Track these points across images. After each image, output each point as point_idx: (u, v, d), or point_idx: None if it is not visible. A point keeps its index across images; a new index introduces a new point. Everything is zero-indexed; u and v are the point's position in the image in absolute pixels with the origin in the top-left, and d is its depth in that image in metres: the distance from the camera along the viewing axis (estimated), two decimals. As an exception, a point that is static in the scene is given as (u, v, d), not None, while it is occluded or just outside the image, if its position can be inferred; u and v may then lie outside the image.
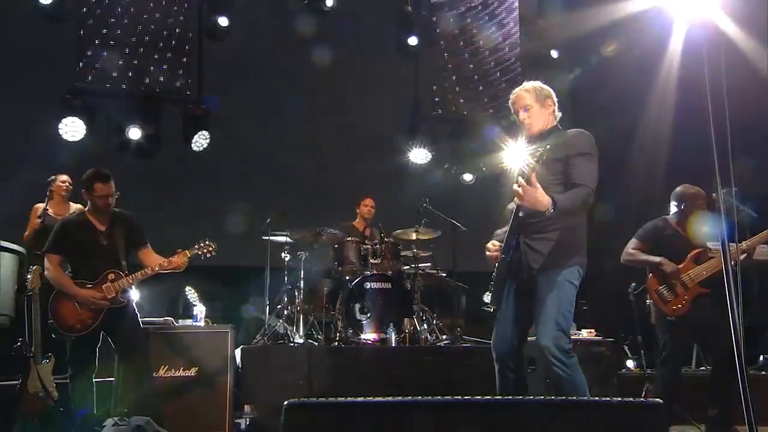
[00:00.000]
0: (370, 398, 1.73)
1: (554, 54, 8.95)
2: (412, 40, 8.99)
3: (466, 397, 1.72)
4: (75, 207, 6.04)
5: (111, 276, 4.29)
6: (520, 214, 3.43)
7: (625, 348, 6.53)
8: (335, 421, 1.72)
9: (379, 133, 8.87)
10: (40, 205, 5.86)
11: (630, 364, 6.62)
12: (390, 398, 1.74)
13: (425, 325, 6.14)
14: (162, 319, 5.23)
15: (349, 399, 1.72)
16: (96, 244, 4.34)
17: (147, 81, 8.54)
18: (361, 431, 1.71)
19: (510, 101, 3.70)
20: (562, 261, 3.39)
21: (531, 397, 1.95)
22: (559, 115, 3.67)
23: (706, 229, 4.81)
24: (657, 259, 4.83)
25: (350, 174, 8.25)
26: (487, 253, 3.67)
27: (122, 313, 4.31)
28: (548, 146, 3.20)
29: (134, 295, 4.59)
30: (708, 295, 4.70)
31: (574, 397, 1.81)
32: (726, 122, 2.25)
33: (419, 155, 8.84)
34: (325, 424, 1.73)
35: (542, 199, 3.18)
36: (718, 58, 2.56)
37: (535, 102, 3.59)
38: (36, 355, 4.46)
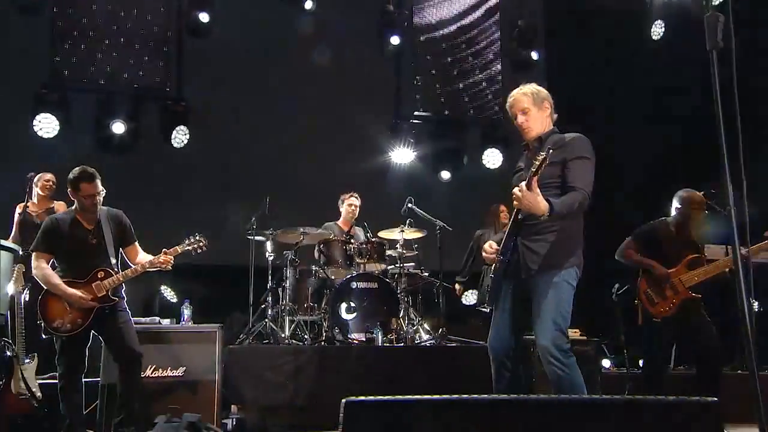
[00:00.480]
0: (429, 396, 1.74)
1: (534, 56, 9.03)
2: (394, 40, 8.99)
3: (522, 396, 1.75)
4: (57, 204, 5.93)
5: (101, 274, 4.20)
6: (519, 217, 3.46)
7: (604, 347, 6.63)
8: (394, 420, 1.72)
9: (360, 132, 8.86)
10: (23, 204, 5.73)
11: (606, 363, 6.72)
12: (450, 396, 1.75)
13: (411, 325, 6.14)
14: (148, 318, 5.15)
15: (407, 397, 1.73)
16: (84, 242, 4.26)
17: (126, 76, 8.43)
18: (419, 430, 1.72)
19: (507, 104, 3.68)
20: (560, 262, 3.42)
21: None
22: (555, 116, 3.71)
23: (707, 229, 4.91)
24: (649, 262, 4.93)
25: (332, 173, 8.22)
26: (484, 254, 3.66)
27: (113, 311, 4.23)
28: (551, 150, 3.24)
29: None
30: (698, 300, 4.80)
31: (632, 396, 1.82)
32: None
33: (402, 154, 8.84)
34: (384, 422, 1.72)
35: (540, 203, 3.22)
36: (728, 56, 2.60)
37: (533, 105, 3.59)
38: (19, 356, 4.39)
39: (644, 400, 1.81)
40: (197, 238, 4.52)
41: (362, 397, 1.74)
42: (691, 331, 4.83)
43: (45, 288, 4.16)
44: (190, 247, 4.48)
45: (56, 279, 4.16)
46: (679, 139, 8.07)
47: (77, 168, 4.33)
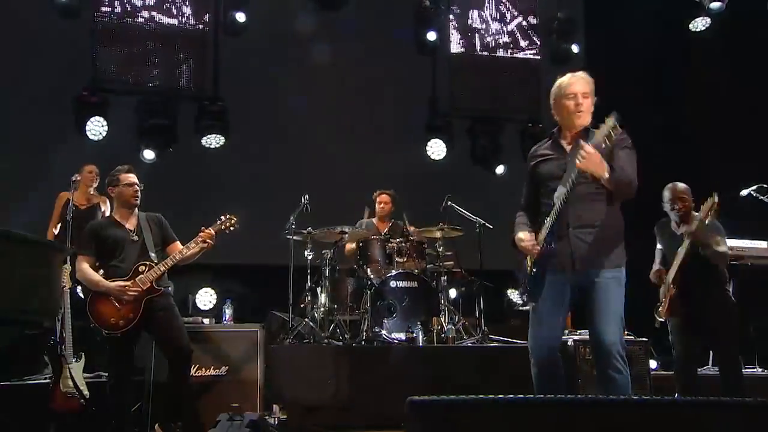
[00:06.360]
0: (496, 396, 1.71)
1: (575, 49, 8.86)
2: (431, 35, 8.91)
3: (590, 396, 1.72)
4: (99, 198, 6.05)
5: (142, 268, 4.25)
6: (568, 203, 3.32)
7: (651, 348, 6.48)
8: (460, 419, 1.71)
9: (396, 129, 8.81)
10: (65, 194, 5.83)
11: (653, 364, 6.56)
12: (522, 396, 1.72)
13: (451, 325, 6.07)
14: (191, 318, 5.19)
15: (472, 397, 1.71)
16: (126, 241, 4.34)
17: (163, 77, 8.50)
18: (486, 429, 1.68)
19: (566, 82, 3.46)
20: (619, 259, 3.39)
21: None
22: None
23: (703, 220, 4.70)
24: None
25: (367, 171, 8.18)
26: (522, 244, 3.46)
27: (162, 307, 4.28)
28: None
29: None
30: (685, 291, 4.71)
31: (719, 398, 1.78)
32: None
33: (437, 151, 8.75)
34: (449, 422, 1.71)
35: (604, 164, 3.19)
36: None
37: (591, 94, 3.45)
38: (66, 355, 4.47)
39: (735, 402, 1.75)
40: (228, 216, 4.51)
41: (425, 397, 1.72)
42: (712, 330, 4.76)
43: (92, 290, 4.21)
44: (222, 227, 4.45)
45: (96, 276, 4.22)
46: (720, 133, 7.89)
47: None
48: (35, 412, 4.42)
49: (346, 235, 6.27)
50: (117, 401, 4.21)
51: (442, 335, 5.87)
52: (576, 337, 5.38)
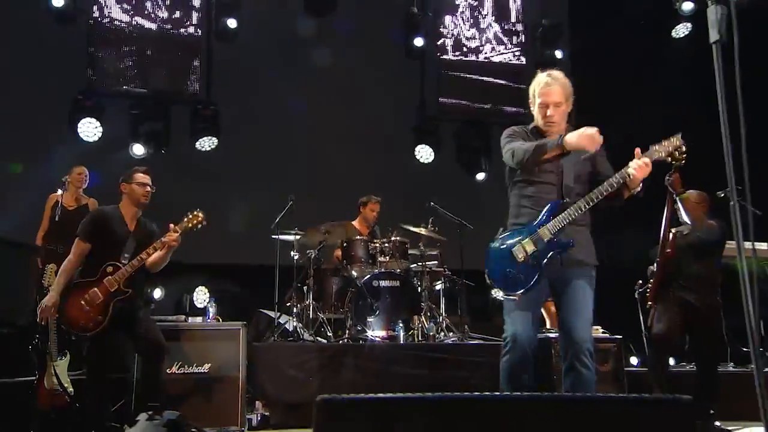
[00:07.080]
0: (404, 394, 1.75)
1: (559, 54, 8.99)
2: (418, 41, 9.05)
3: (497, 393, 1.75)
4: (88, 200, 6.14)
5: (109, 269, 4.24)
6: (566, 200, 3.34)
7: (630, 346, 6.57)
8: (368, 418, 1.74)
9: (384, 133, 8.92)
10: (54, 196, 5.91)
11: (634, 360, 6.67)
12: (425, 394, 1.75)
13: (433, 323, 6.18)
14: (174, 316, 5.29)
15: (381, 395, 1.73)
16: (122, 240, 4.35)
17: (157, 81, 8.63)
18: (395, 428, 1.73)
19: (540, 88, 3.40)
20: (594, 259, 3.46)
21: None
22: None
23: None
24: None
25: (356, 174, 8.29)
26: (588, 131, 3.25)
27: (129, 302, 4.29)
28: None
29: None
30: (678, 286, 4.93)
31: (610, 394, 1.86)
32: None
33: (425, 155, 8.89)
34: (358, 421, 1.74)
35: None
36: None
37: (565, 100, 3.39)
38: (52, 352, 4.53)
39: (619, 398, 1.80)
40: (195, 213, 4.44)
41: (335, 395, 1.78)
42: (699, 327, 4.91)
43: (67, 292, 4.24)
44: (189, 224, 4.40)
45: (61, 279, 4.25)
46: (705, 138, 7.93)
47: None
48: (19, 409, 4.47)
49: (328, 234, 6.38)
50: (92, 398, 4.27)
51: (424, 333, 5.98)
52: (552, 335, 5.47)
